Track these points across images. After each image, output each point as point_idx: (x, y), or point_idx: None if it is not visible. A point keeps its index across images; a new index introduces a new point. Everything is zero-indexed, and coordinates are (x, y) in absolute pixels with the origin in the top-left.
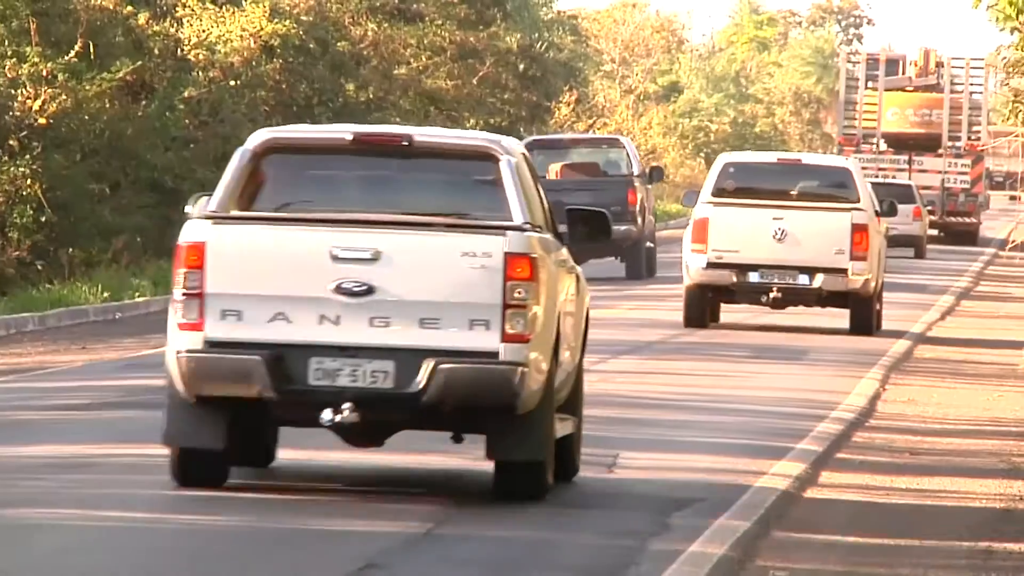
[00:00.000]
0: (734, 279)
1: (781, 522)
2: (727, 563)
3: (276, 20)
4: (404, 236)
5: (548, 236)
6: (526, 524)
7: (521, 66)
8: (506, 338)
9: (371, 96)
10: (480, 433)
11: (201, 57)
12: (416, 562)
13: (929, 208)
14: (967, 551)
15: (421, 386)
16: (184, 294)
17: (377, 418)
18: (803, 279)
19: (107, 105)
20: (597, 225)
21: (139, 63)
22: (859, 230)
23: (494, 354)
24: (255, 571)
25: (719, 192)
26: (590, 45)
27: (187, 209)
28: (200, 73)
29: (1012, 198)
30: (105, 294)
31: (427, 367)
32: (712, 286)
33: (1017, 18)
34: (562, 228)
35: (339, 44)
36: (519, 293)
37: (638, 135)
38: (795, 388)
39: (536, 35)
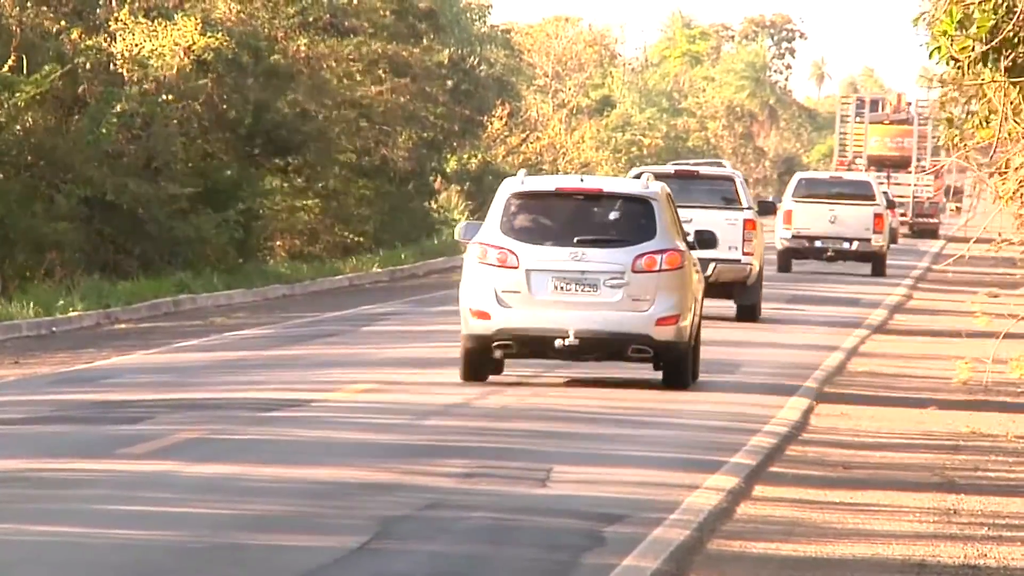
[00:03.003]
0: (806, 244)
1: (715, 535)
2: None
3: (208, 33)
4: (702, 212)
5: (756, 210)
6: (460, 538)
7: (451, 81)
8: (744, 253)
9: (303, 110)
10: (730, 297)
11: (133, 71)
12: None
13: (902, 212)
14: (900, 565)
15: (710, 272)
16: None
17: None
18: (846, 245)
19: (40, 119)
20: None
21: (68, 67)
22: (878, 216)
23: (738, 260)
24: None
25: (796, 193)
26: (523, 59)
27: None
28: (132, 87)
29: (951, 210)
30: (38, 309)
31: (712, 264)
32: (793, 249)
33: (952, 46)
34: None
35: (272, 57)
36: (748, 235)
37: (571, 149)
38: (728, 402)
39: (469, 49)
